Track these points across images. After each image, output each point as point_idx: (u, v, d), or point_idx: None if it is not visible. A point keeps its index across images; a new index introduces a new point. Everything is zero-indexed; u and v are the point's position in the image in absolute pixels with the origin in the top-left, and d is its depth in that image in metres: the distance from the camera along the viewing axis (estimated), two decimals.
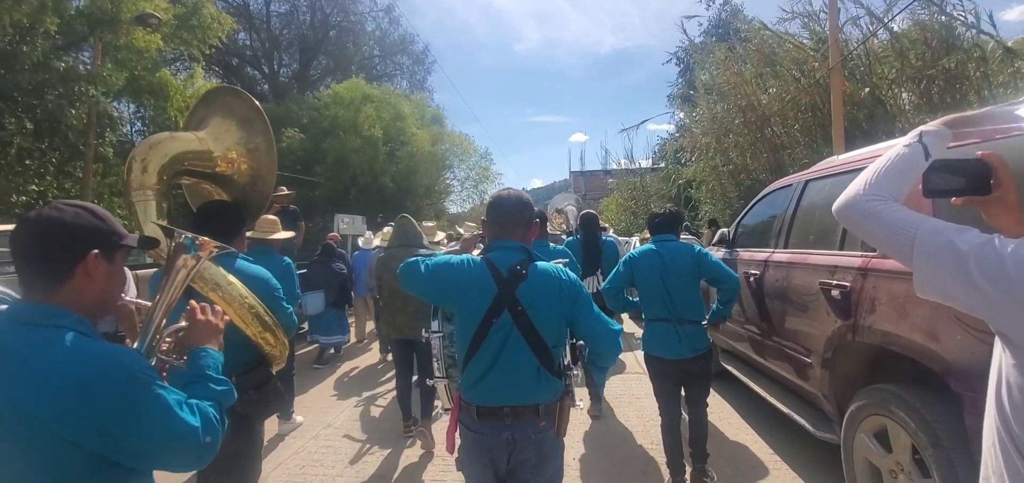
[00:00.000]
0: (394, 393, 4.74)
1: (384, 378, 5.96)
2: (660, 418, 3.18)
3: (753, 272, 3.72)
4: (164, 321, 1.33)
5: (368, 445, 4.11)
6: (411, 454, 3.92)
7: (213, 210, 2.14)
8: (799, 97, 10.63)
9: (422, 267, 1.79)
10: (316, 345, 6.79)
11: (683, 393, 3.17)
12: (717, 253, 4.23)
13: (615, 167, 31.83)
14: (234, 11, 21.68)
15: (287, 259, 3.46)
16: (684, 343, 3.02)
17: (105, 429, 0.97)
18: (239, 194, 2.17)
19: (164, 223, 1.71)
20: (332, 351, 6.87)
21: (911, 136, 1.08)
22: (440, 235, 6.33)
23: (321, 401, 5.28)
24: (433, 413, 3.93)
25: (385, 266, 4.12)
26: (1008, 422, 0.86)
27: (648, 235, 3.40)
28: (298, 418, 4.58)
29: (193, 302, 1.37)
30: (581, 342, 1.92)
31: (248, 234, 3.01)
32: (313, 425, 4.55)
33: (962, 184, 0.98)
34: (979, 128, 1.32)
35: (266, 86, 26.05)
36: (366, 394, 5.43)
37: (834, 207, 1.09)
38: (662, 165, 27.43)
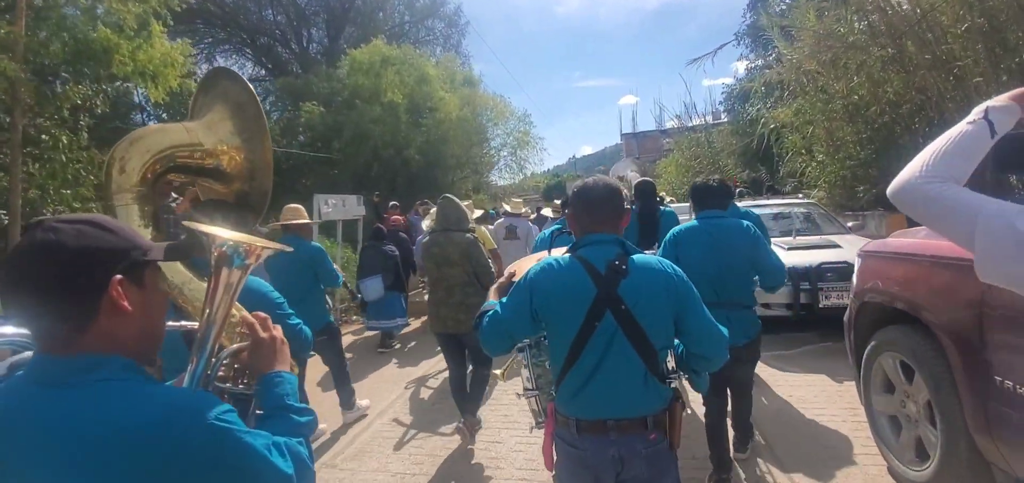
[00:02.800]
0: (444, 374, 4.69)
1: (437, 360, 5.51)
2: (704, 408, 2.94)
3: None
4: (218, 344, 1.04)
5: (414, 431, 4.03)
6: (453, 442, 3.74)
7: (210, 211, 1.70)
8: None
9: (496, 319, 1.63)
10: (377, 332, 6.65)
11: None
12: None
13: (671, 125, 28.34)
14: None
15: (317, 244, 3.80)
16: (736, 330, 2.54)
17: None
18: (238, 190, 1.76)
19: (195, 224, 1.13)
20: (394, 338, 6.68)
21: (976, 112, 0.97)
22: (476, 212, 6.04)
23: (380, 386, 5.18)
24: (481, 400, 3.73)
25: (427, 253, 3.77)
26: None
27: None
28: (364, 402, 4.45)
29: (251, 317, 1.12)
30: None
31: (281, 222, 3.72)
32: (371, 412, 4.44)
33: None
34: None
35: (296, 66, 24.17)
36: (417, 377, 5.35)
37: (889, 190, 1.03)
38: (725, 119, 23.25)
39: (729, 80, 22.52)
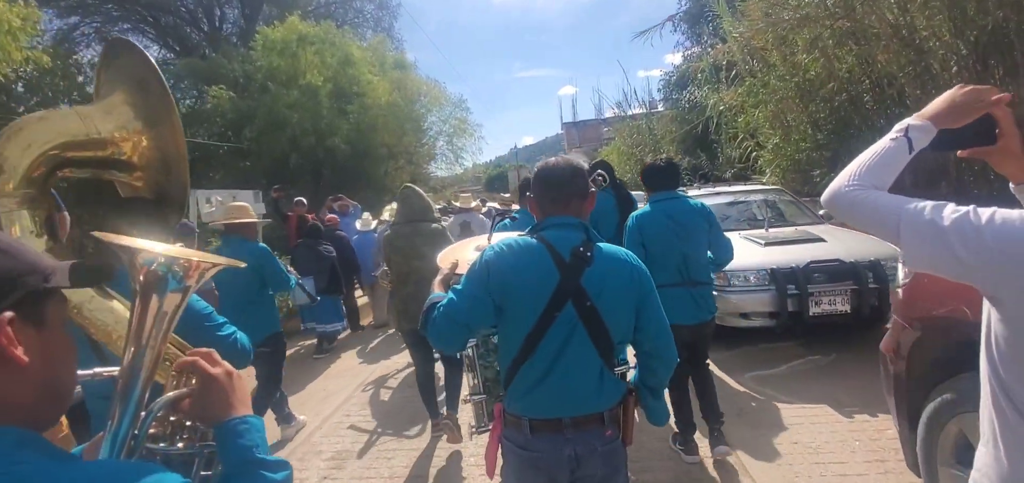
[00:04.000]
0: (403, 373, 4.74)
1: (388, 359, 5.51)
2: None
3: None
4: (147, 392, 0.81)
5: (378, 435, 3.79)
6: (421, 443, 3.60)
7: (123, 209, 1.52)
8: None
9: (452, 309, 1.43)
10: (312, 339, 6.21)
11: None
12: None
13: (611, 115, 27.91)
14: None
15: (263, 245, 3.45)
16: (701, 306, 2.88)
17: None
18: (155, 184, 1.51)
19: (109, 236, 0.86)
20: (331, 343, 6.16)
21: (896, 129, 1.07)
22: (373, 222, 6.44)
23: (324, 393, 4.81)
24: (462, 401, 3.25)
25: (392, 246, 3.56)
26: (996, 369, 0.95)
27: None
28: (301, 418, 4.01)
29: (195, 355, 0.86)
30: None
31: (222, 220, 3.49)
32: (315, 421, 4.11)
33: (969, 135, 1.02)
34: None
35: (208, 49, 21.43)
36: (372, 378, 5.01)
37: (822, 197, 1.11)
38: (661, 108, 22.85)
39: (660, 72, 22.19)
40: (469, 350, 1.83)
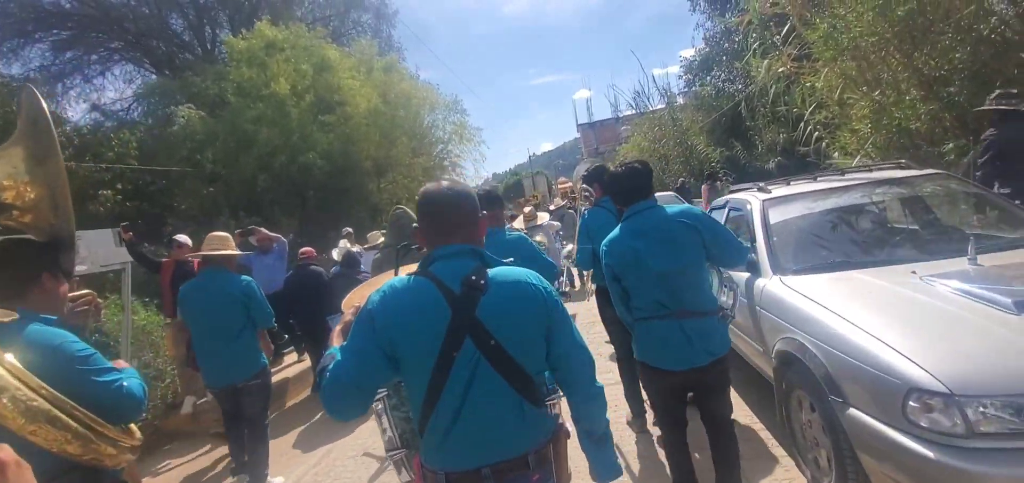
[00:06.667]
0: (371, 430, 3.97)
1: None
2: (664, 452, 2.30)
3: None
4: None
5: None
6: None
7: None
8: None
9: (339, 371, 1.22)
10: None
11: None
12: None
13: (628, 113, 25.28)
14: None
15: (247, 278, 3.06)
16: (696, 346, 2.03)
17: None
18: (49, 226, 1.51)
19: None
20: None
21: None
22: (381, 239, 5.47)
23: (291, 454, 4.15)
24: None
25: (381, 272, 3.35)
26: None
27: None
28: (277, 479, 3.49)
29: None
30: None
31: (203, 252, 3.04)
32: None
33: None
34: None
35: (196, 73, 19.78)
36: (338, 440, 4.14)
37: None
38: (680, 101, 19.95)
39: (677, 69, 19.54)
40: (377, 404, 1.60)
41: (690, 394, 2.25)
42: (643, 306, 2.11)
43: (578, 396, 1.30)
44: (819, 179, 3.34)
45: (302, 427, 4.68)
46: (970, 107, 4.45)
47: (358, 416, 1.32)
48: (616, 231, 2.23)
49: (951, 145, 4.81)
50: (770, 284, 2.58)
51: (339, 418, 1.30)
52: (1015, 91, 3.64)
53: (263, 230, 5.41)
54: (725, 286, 2.28)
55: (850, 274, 2.37)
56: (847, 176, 3.25)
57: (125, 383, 1.50)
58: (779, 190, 3.20)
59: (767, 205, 3.04)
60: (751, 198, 3.21)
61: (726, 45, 17.73)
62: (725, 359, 2.10)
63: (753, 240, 2.92)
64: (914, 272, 2.23)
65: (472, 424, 1.20)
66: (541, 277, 1.31)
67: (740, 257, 2.22)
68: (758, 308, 2.63)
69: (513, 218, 10.74)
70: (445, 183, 1.37)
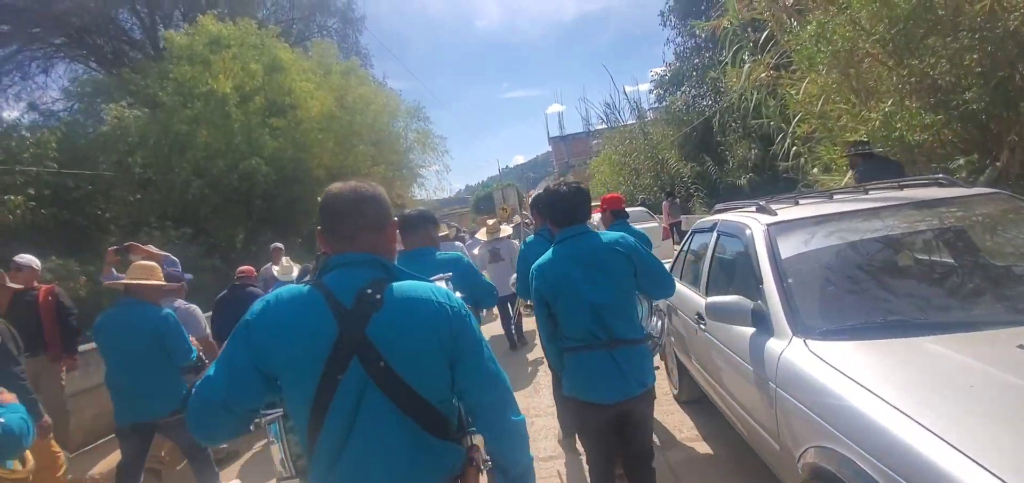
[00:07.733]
0: None
1: None
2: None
3: None
4: None
5: None
6: None
7: None
8: None
9: (205, 388, 1.07)
10: None
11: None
12: None
13: (600, 126, 24.87)
14: None
15: (167, 310, 2.83)
16: (629, 377, 1.94)
17: None
18: None
19: None
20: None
21: None
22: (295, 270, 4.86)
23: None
24: None
25: None
26: None
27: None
28: None
29: None
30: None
31: (124, 281, 2.87)
32: None
33: None
34: None
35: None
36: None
37: None
38: (650, 116, 19.45)
39: (648, 86, 19.31)
40: (273, 426, 1.38)
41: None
42: (573, 335, 2.00)
43: (490, 432, 1.13)
44: (836, 198, 2.52)
45: (245, 457, 4.05)
46: (991, 115, 3.76)
47: (229, 437, 1.17)
48: (548, 254, 2.07)
49: (962, 161, 4.12)
50: (791, 352, 1.73)
51: (208, 442, 1.19)
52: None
53: (152, 247, 4.32)
54: (654, 315, 2.27)
55: (918, 343, 1.53)
56: (872, 195, 2.43)
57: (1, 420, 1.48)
58: (787, 212, 2.36)
59: (774, 232, 2.21)
60: (751, 222, 2.37)
61: (696, 60, 17.39)
62: (653, 388, 2.06)
63: (758, 281, 2.07)
64: (1022, 345, 1.40)
65: (361, 456, 1.05)
66: (451, 294, 1.15)
67: (667, 291, 2.15)
68: (773, 386, 1.77)
69: (474, 232, 9.89)
70: (352, 182, 1.19)
